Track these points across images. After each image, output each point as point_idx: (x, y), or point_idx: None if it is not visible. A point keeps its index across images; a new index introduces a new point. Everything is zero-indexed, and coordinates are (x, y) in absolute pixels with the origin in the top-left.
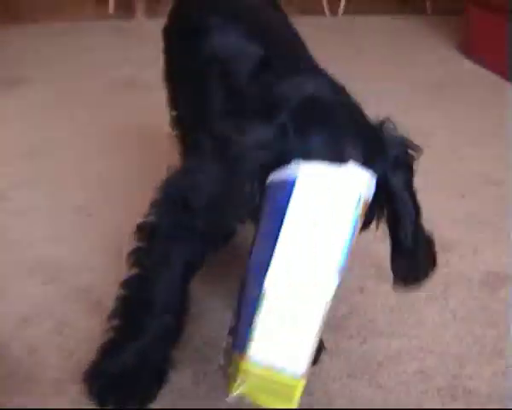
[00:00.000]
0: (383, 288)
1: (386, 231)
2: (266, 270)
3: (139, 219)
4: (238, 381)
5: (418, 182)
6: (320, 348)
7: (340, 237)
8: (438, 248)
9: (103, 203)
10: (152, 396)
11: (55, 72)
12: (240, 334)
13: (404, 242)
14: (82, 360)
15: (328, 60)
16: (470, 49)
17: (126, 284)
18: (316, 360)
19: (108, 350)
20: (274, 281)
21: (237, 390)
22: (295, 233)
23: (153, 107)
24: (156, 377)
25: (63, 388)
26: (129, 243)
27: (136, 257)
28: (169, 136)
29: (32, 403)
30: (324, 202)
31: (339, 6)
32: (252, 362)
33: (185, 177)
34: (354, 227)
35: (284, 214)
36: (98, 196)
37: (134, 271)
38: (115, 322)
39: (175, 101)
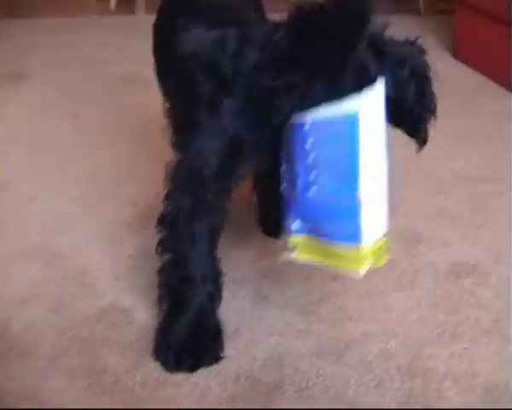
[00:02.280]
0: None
1: None
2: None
3: (130, 210)
4: (364, 262)
5: (396, 179)
6: None
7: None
8: (410, 240)
9: (99, 195)
10: (218, 353)
11: (56, 67)
12: (339, 234)
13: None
14: (75, 337)
15: None
16: (458, 49)
17: (163, 270)
18: None
19: (166, 328)
20: (365, 193)
21: (365, 267)
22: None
23: (151, 103)
24: (215, 336)
25: (56, 362)
26: (121, 231)
27: (165, 245)
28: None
29: (27, 375)
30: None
31: None
32: (368, 247)
33: (194, 157)
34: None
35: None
36: (94, 189)
37: (166, 257)
38: (163, 306)
39: (165, 94)
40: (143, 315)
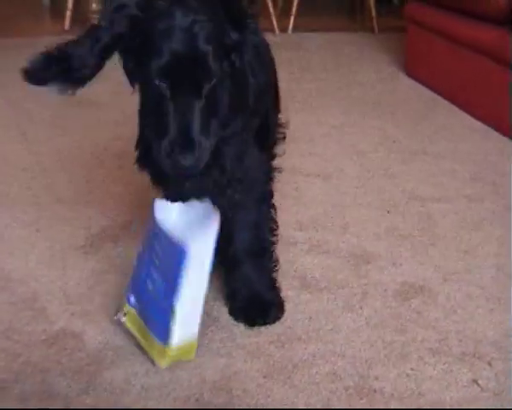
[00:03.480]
0: (305, 297)
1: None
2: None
3: (84, 233)
4: (166, 359)
5: (347, 199)
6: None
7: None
8: (359, 260)
9: (51, 218)
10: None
11: (8, 88)
12: (156, 327)
13: None
14: (27, 362)
15: None
16: (411, 67)
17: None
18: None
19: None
20: (181, 304)
21: (167, 363)
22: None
23: (100, 125)
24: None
25: (8, 387)
26: (73, 254)
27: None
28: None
29: None
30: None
31: (288, 23)
32: (172, 348)
33: None
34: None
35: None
36: (47, 212)
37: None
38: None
39: None
40: (94, 340)
